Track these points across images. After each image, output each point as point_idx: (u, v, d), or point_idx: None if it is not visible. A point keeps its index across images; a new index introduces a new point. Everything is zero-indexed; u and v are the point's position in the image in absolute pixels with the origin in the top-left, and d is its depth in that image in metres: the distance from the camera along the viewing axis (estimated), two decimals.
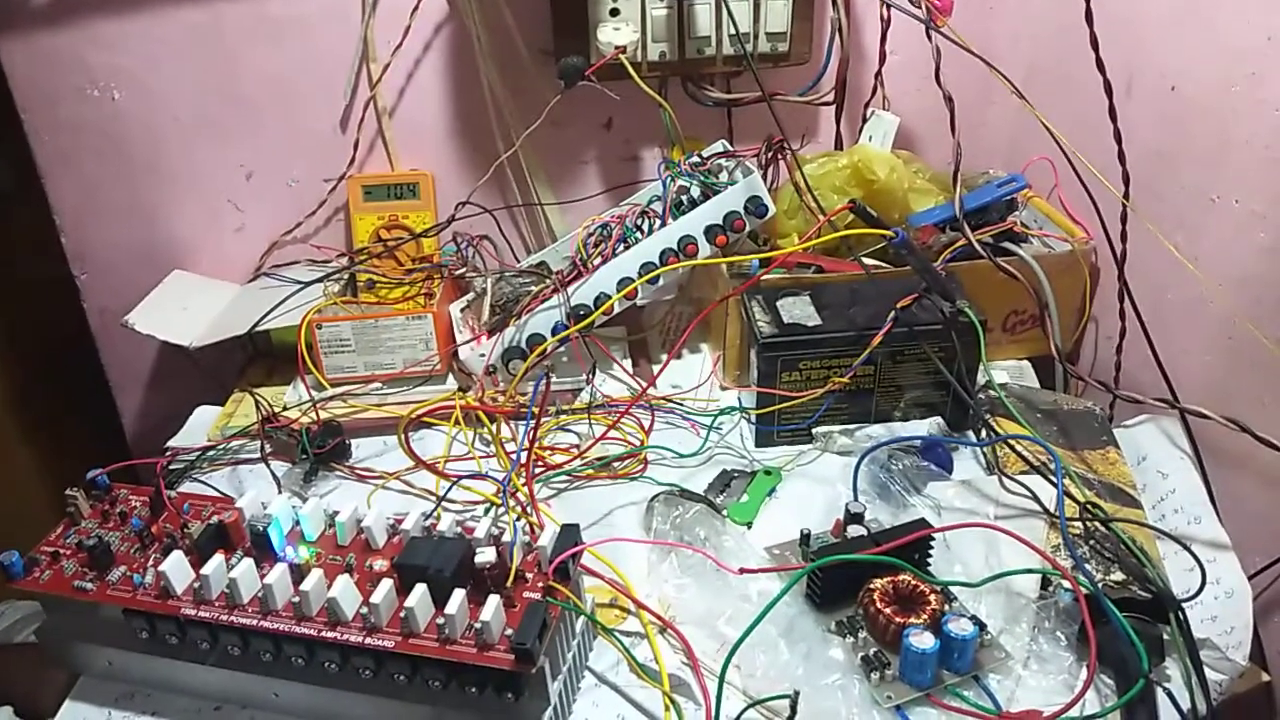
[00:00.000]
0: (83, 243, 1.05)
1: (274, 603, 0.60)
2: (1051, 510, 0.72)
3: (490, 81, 1.00)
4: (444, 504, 0.79)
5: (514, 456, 0.81)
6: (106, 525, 0.67)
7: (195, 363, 0.96)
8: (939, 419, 0.84)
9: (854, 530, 0.69)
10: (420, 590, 0.58)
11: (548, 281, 0.94)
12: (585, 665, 0.66)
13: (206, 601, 0.61)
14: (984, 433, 0.82)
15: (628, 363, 0.97)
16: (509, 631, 0.57)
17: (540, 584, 0.60)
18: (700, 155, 0.96)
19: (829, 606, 0.65)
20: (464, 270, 1.01)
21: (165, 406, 1.03)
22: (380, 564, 0.63)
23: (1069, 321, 0.94)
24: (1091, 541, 0.69)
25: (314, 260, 1.06)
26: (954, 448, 0.82)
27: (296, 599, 0.59)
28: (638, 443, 0.86)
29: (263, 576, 0.60)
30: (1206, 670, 0.63)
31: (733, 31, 0.93)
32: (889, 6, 0.93)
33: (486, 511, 0.78)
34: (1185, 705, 0.60)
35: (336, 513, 0.66)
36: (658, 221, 0.91)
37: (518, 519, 0.75)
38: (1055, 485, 0.71)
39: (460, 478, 0.80)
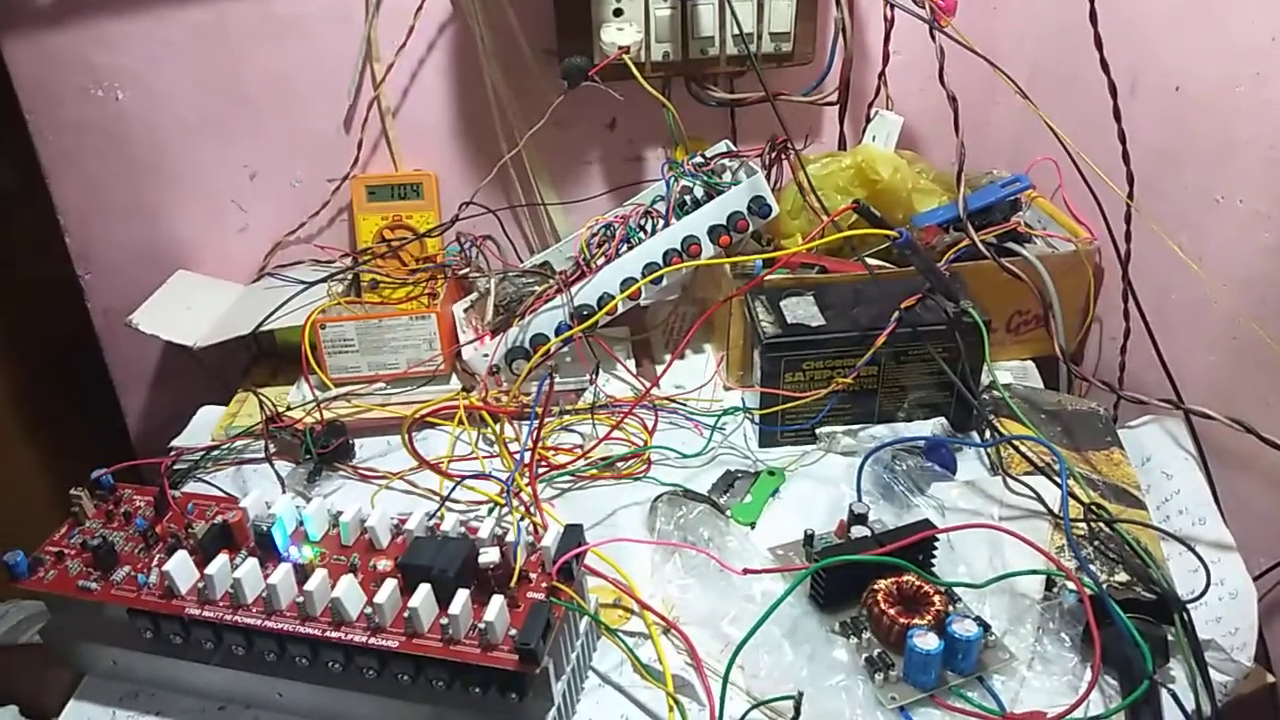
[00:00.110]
0: (87, 243, 1.05)
1: (278, 602, 0.60)
2: (1056, 511, 0.72)
3: (494, 82, 1.00)
4: (448, 504, 0.78)
5: (517, 457, 0.81)
6: (111, 525, 0.68)
7: (199, 363, 0.96)
8: (943, 419, 0.84)
9: (858, 531, 0.69)
10: (424, 590, 0.58)
11: (551, 282, 0.94)
12: (589, 666, 0.65)
13: (211, 601, 0.61)
14: (988, 433, 0.82)
15: (631, 363, 0.97)
16: (513, 632, 0.57)
17: (544, 584, 0.60)
18: (704, 155, 0.96)
19: (833, 607, 0.65)
20: (467, 270, 1.01)
21: (169, 406, 1.03)
22: (384, 564, 0.63)
23: (1073, 322, 0.94)
24: (1096, 542, 0.69)
25: (318, 260, 1.06)
26: (958, 448, 0.82)
27: (301, 599, 0.59)
28: (641, 443, 0.86)
29: (267, 576, 0.60)
30: (1211, 671, 0.62)
31: (736, 31, 0.93)
32: (893, 6, 0.93)
33: (490, 512, 0.78)
34: (1190, 706, 0.60)
35: (340, 513, 0.66)
36: (661, 222, 0.91)
37: (521, 519, 0.75)
38: (1059, 486, 0.70)
39: (464, 478, 0.80)
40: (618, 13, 0.92)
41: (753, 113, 1.01)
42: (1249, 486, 0.78)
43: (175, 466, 0.85)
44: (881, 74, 1.01)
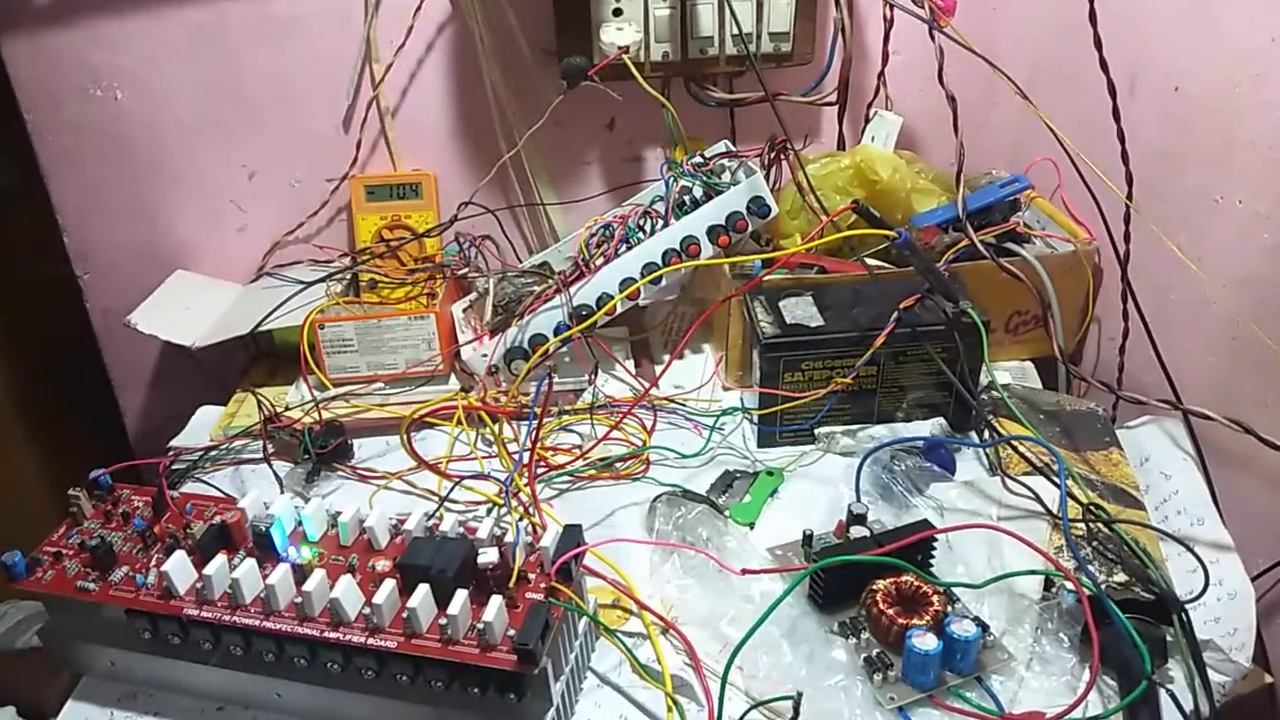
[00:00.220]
0: (85, 243, 1.05)
1: (276, 603, 0.60)
2: (1054, 511, 0.72)
3: (493, 82, 1.00)
4: (446, 504, 0.78)
5: (516, 457, 0.81)
6: (109, 525, 0.68)
7: (198, 363, 0.96)
8: (941, 420, 0.84)
9: (856, 531, 0.69)
10: (423, 591, 0.58)
11: (550, 282, 0.94)
12: (588, 666, 0.65)
13: (209, 602, 0.61)
14: (986, 434, 0.82)
15: (630, 363, 0.97)
16: (511, 632, 0.57)
17: (543, 585, 0.60)
18: (703, 155, 0.96)
19: (831, 607, 0.65)
20: (466, 270, 1.01)
21: (167, 406, 1.03)
22: (383, 564, 0.63)
23: (1072, 322, 0.94)
24: (1094, 543, 0.69)
25: (316, 260, 1.06)
26: (956, 449, 0.82)
27: (299, 599, 0.59)
28: (640, 443, 0.86)
29: (265, 577, 0.60)
30: (1209, 672, 0.62)
31: (735, 32, 0.93)
32: (892, 7, 0.93)
33: (489, 512, 0.78)
34: (1188, 707, 0.60)
35: (339, 513, 0.66)
36: (660, 222, 0.91)
37: (520, 519, 0.75)
38: (1058, 486, 0.70)
39: (462, 478, 0.80)
40: (617, 13, 0.92)
41: (752, 113, 1.01)
42: (1247, 487, 0.78)
43: (174, 467, 0.85)
44: (881, 74, 1.01)
